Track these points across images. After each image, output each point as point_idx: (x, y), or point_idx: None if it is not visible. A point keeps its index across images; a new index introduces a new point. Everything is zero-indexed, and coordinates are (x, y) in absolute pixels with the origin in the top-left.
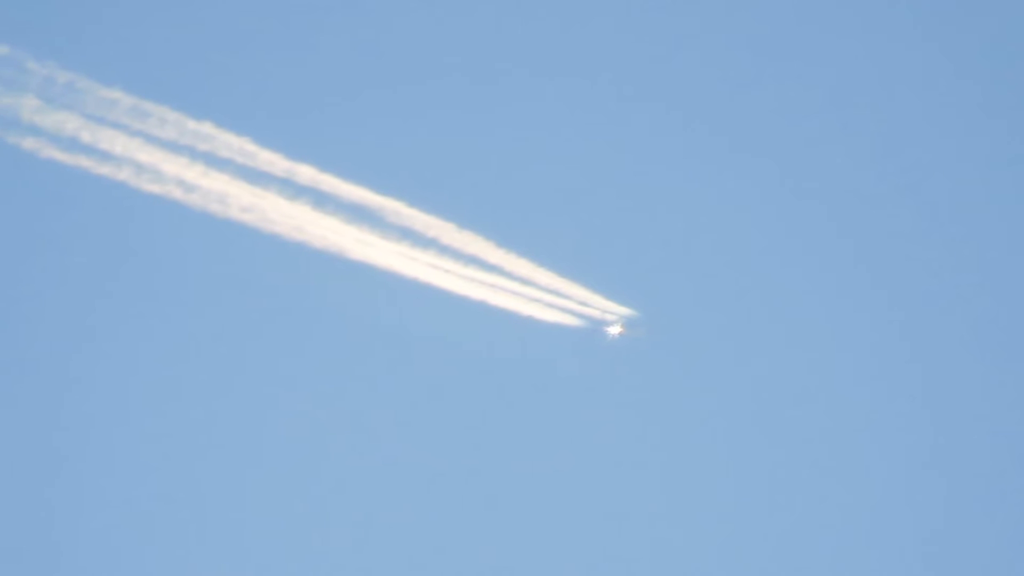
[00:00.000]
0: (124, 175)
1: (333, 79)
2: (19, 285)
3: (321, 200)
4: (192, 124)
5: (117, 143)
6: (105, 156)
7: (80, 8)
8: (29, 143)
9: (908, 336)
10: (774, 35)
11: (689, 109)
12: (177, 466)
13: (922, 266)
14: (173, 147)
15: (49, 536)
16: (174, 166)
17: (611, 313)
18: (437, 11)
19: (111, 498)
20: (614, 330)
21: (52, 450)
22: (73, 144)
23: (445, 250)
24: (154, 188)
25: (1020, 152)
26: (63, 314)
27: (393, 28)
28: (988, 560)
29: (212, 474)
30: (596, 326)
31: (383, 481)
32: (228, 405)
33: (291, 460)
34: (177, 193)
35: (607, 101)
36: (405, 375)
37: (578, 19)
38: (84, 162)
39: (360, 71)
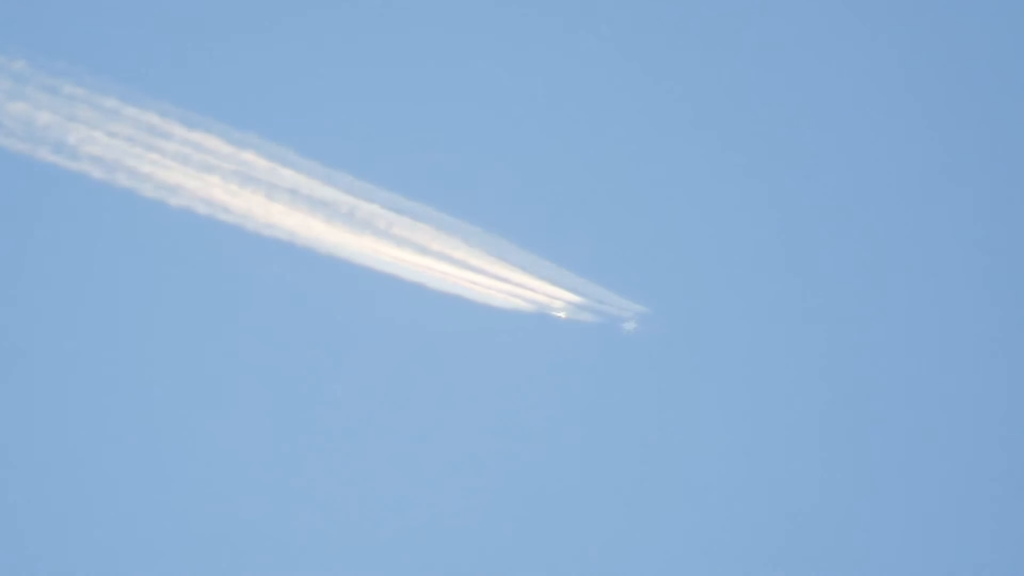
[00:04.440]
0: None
1: (341, 85)
2: (70, 291)
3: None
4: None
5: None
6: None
7: (134, 30)
8: (77, 166)
9: (915, 330)
10: (788, 38)
11: (703, 109)
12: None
13: (931, 265)
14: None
15: (72, 539)
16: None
17: (626, 310)
18: (443, 21)
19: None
20: (629, 327)
21: (86, 452)
22: (115, 166)
23: (467, 252)
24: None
25: (1018, 154)
26: (101, 317)
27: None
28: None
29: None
30: (611, 322)
31: (397, 474)
32: (238, 405)
33: (299, 454)
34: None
35: (618, 101)
36: (431, 375)
37: (585, 17)
38: (122, 180)
39: (361, 75)
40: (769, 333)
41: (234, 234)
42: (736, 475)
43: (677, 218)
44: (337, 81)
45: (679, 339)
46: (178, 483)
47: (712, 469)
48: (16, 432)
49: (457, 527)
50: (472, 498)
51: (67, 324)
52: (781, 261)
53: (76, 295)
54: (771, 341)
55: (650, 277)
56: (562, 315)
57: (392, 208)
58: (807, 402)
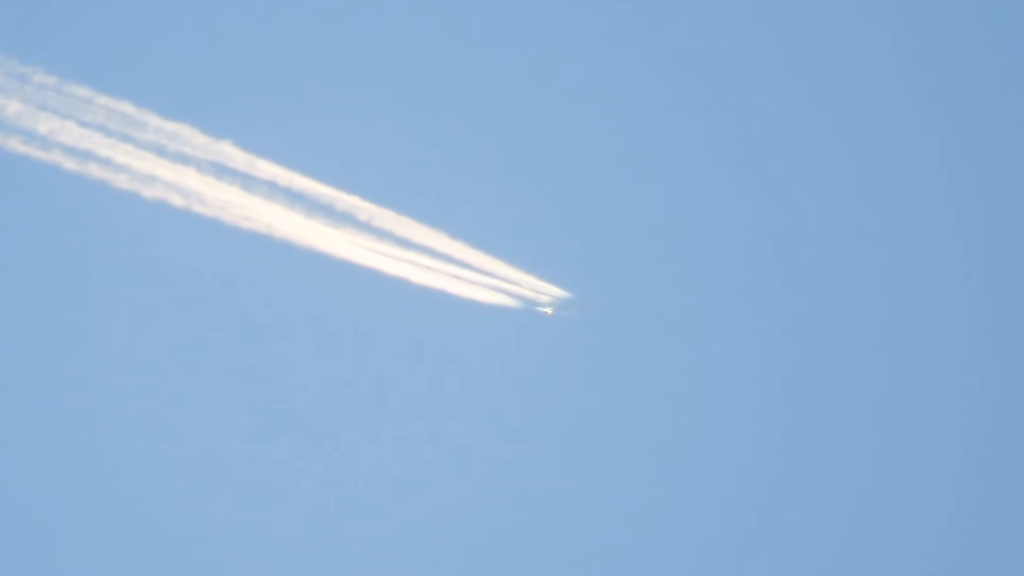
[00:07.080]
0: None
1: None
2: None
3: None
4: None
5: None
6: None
7: (106, 19)
8: (48, 157)
9: (834, 313)
10: (709, 29)
11: (628, 92)
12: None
13: (855, 244)
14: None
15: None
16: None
17: (545, 294)
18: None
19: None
20: (546, 310)
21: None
22: (88, 157)
23: (383, 235)
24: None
25: (1014, 150)
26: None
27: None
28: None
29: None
30: (529, 306)
31: (384, 468)
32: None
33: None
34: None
35: (543, 89)
36: (416, 369)
37: (494, 16)
38: (95, 172)
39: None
40: (690, 316)
41: (210, 227)
42: (658, 455)
43: (605, 204)
44: (319, 73)
45: (600, 322)
46: (152, 477)
47: (634, 450)
48: None
49: (447, 523)
50: (460, 492)
51: (39, 316)
52: (776, 260)
53: (48, 288)
54: (692, 324)
55: (572, 262)
56: (548, 311)
57: (372, 200)
58: (723, 384)
